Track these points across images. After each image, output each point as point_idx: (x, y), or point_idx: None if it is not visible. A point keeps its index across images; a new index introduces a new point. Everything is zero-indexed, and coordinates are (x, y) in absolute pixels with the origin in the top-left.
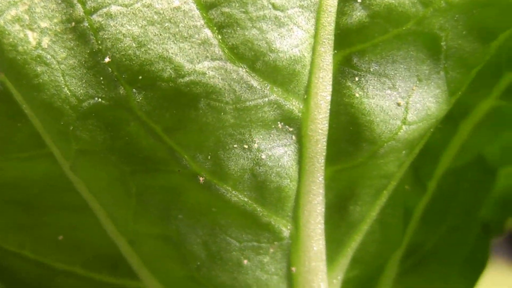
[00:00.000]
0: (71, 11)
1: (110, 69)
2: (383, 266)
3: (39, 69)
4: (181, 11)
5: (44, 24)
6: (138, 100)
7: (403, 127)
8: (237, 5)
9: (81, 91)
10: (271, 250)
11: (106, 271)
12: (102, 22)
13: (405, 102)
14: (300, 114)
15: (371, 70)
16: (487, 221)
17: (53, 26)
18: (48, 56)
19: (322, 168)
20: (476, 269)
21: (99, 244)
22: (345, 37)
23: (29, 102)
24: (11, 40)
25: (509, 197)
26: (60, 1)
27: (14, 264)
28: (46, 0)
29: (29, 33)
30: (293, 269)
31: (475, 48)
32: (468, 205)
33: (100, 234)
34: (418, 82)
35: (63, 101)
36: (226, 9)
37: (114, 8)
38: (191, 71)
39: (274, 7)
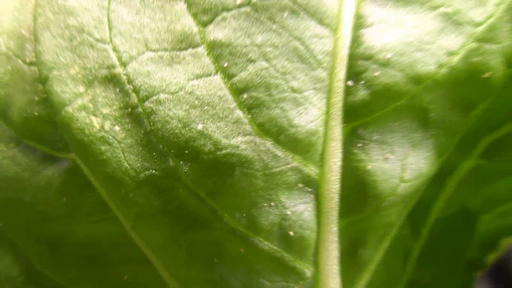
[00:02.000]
0: (127, 99)
1: (161, 146)
2: None
3: (103, 148)
4: (217, 96)
5: (105, 110)
6: (185, 170)
7: (401, 184)
8: (262, 89)
9: (138, 164)
10: None
11: None
12: (153, 108)
13: (402, 164)
14: (316, 177)
15: (373, 139)
16: (471, 259)
17: (113, 112)
18: (110, 137)
19: (336, 220)
20: None
21: None
22: (351, 113)
23: (95, 175)
24: (79, 125)
25: (489, 239)
26: (118, 92)
27: None
28: (106, 91)
29: (93, 118)
30: None
31: (459, 118)
32: (455, 247)
33: (158, 281)
34: (412, 147)
35: (123, 173)
36: (254, 93)
37: (162, 96)
38: (227, 145)
39: (293, 90)
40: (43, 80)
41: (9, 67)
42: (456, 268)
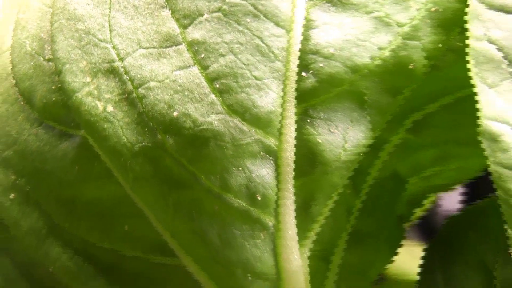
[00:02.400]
0: (124, 87)
1: (151, 123)
2: (336, 244)
3: (105, 125)
4: (195, 83)
5: (107, 96)
6: (170, 143)
7: (343, 153)
8: (231, 78)
9: (133, 138)
10: (262, 236)
11: (158, 254)
12: (145, 93)
13: (343, 136)
14: (275, 147)
15: (321, 117)
16: (401, 213)
17: (113, 97)
18: (111, 117)
19: (292, 181)
20: (396, 244)
21: (152, 237)
22: (302, 96)
23: (100, 148)
24: (86, 107)
25: (415, 198)
26: (117, 81)
27: (97, 252)
28: (108, 80)
29: (98, 102)
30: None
31: (388, 101)
32: (388, 204)
33: (152, 230)
34: (351, 123)
35: (122, 145)
36: (224, 81)
37: (152, 84)
38: (203, 122)
39: (255, 78)
40: (58, 72)
41: (32, 63)
42: (389, 220)
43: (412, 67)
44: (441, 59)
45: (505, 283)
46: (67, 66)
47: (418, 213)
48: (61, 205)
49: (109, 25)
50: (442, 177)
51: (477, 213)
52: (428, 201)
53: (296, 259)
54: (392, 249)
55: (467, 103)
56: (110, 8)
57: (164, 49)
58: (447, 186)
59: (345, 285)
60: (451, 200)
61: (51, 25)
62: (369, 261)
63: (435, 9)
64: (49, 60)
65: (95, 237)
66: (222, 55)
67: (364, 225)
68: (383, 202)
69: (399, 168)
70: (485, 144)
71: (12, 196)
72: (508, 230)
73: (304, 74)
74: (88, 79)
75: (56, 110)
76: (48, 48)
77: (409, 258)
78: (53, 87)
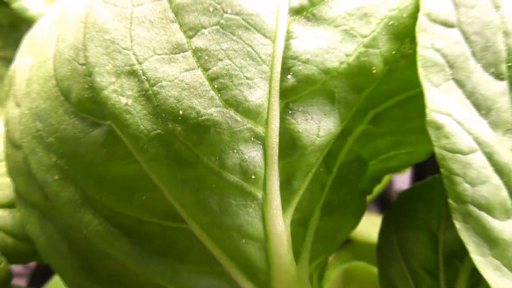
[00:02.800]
0: (142, 85)
1: (163, 114)
2: (312, 212)
3: (127, 116)
4: (198, 82)
5: (128, 92)
6: (179, 130)
7: (317, 139)
8: (227, 78)
9: (149, 127)
10: (253, 205)
11: (169, 220)
12: (159, 90)
13: (318, 126)
14: (263, 134)
15: (299, 110)
16: (364, 189)
17: (133, 93)
18: (132, 109)
19: (276, 162)
20: (360, 213)
21: (165, 206)
22: (285, 93)
23: (123, 134)
24: (112, 102)
25: (375, 176)
26: (136, 80)
27: (121, 219)
28: (129, 80)
29: (121, 98)
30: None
31: (354, 97)
32: (353, 181)
33: (165, 201)
34: (324, 115)
35: (140, 132)
36: (222, 80)
37: (164, 83)
38: (205, 113)
39: (247, 78)
40: (89, 74)
41: (69, 67)
42: (354, 194)
43: (374, 71)
44: (395, 64)
45: (446, 244)
46: (96, 69)
47: (376, 190)
48: (92, 180)
49: (130, 36)
50: (396, 160)
51: (424, 188)
52: (385, 179)
53: (280, 224)
54: (356, 218)
55: (416, 100)
56: (131, 23)
57: (174, 55)
58: (400, 167)
59: (319, 246)
60: (403, 179)
61: (84, 36)
62: (338, 227)
63: (391, 23)
64: (82, 64)
65: (119, 206)
66: (220, 60)
67: (334, 198)
68: (350, 180)
69: (361, 152)
70: (431, 132)
71: (55, 175)
72: (450, 201)
73: (286, 75)
74: (113, 79)
75: (88, 104)
76: (82, 55)
77: (370, 225)
78: (86, 86)
